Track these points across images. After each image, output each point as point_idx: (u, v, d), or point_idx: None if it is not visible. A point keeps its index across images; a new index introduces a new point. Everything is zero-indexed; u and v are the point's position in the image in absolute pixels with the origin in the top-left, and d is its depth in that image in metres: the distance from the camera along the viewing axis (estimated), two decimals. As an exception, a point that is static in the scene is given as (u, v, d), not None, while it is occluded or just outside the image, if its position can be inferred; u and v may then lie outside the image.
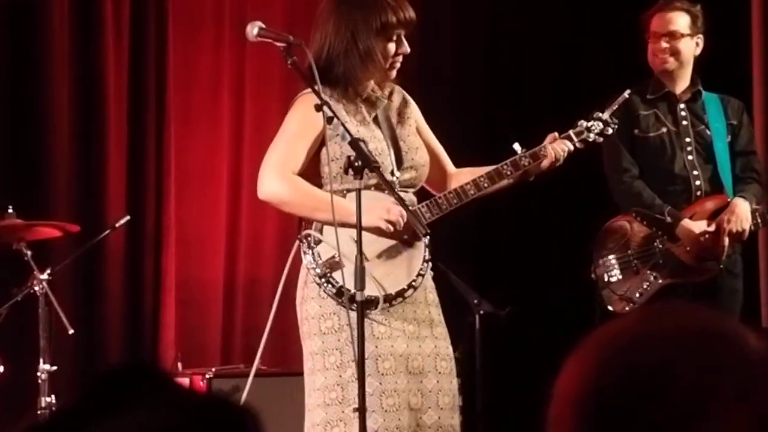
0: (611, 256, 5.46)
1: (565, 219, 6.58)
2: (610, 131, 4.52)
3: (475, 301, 6.03)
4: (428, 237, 4.16)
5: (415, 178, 4.27)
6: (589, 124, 4.46)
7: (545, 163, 4.29)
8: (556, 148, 4.30)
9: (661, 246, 5.40)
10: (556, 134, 4.35)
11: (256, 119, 6.75)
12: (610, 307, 5.43)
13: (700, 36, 5.46)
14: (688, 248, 5.34)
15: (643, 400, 1.30)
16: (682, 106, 5.49)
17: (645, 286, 5.39)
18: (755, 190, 5.43)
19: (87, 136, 6.45)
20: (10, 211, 5.43)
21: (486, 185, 4.25)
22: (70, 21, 6.43)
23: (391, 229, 4.07)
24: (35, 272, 5.42)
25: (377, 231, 4.09)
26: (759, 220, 5.36)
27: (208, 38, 6.79)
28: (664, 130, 5.45)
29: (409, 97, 4.38)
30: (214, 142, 6.78)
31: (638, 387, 1.31)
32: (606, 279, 5.46)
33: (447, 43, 7.30)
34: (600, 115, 4.51)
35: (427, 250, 4.19)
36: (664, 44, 5.43)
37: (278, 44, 4.05)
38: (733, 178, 5.44)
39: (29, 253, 5.43)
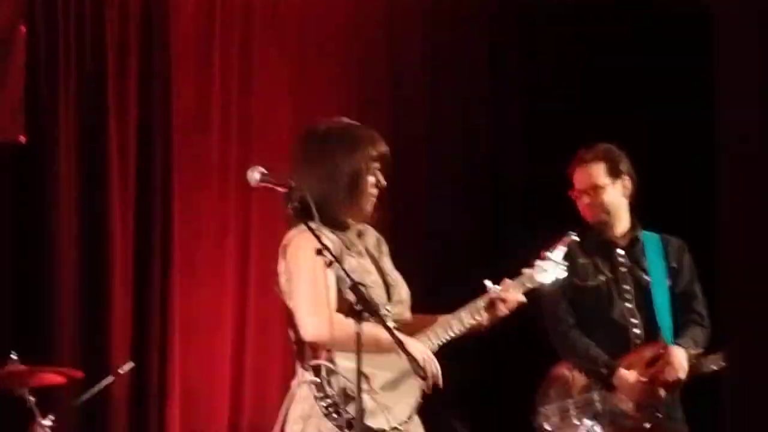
0: (551, 405, 5.38)
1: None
2: (563, 272, 4.65)
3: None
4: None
5: (402, 313, 4.30)
6: (542, 263, 4.63)
7: (501, 311, 4.36)
8: (507, 298, 4.37)
9: (600, 394, 5.33)
10: (507, 280, 4.42)
11: (261, 266, 6.73)
12: None
13: (626, 177, 5.41)
14: (625, 397, 5.29)
15: None
16: (620, 252, 5.44)
17: None
18: (695, 334, 5.36)
19: (92, 282, 6.48)
20: (14, 357, 5.42)
21: (469, 322, 4.31)
22: (76, 169, 6.50)
23: (421, 374, 4.05)
24: (38, 419, 5.40)
25: (388, 360, 4.08)
26: (692, 370, 5.27)
27: (213, 186, 6.83)
28: (603, 278, 5.39)
29: (380, 235, 4.43)
30: (219, 289, 6.78)
31: None
32: (545, 427, 5.39)
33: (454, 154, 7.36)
34: (549, 254, 4.64)
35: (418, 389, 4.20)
36: (588, 200, 5.40)
37: (280, 189, 4.09)
38: (674, 322, 5.35)
39: (32, 399, 5.41)
